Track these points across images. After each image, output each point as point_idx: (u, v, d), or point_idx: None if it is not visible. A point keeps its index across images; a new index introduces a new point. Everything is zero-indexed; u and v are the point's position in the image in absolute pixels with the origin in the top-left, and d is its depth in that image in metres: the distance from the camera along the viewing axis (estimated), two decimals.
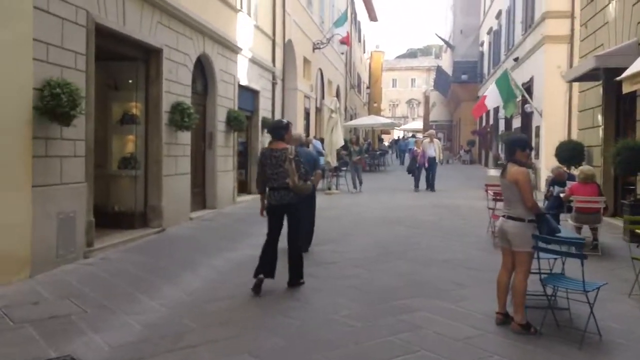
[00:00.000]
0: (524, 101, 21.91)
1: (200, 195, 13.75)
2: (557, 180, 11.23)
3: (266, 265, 7.09)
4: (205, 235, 11.10)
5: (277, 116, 19.64)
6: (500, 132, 30.04)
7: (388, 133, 67.02)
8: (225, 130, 14.61)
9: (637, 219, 8.22)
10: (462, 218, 13.70)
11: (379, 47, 65.02)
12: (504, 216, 5.90)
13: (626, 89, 9.47)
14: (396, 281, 7.63)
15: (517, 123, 25.92)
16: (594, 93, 14.56)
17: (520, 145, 5.91)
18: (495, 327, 5.84)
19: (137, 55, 10.82)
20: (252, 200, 16.33)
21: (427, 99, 66.91)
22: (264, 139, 18.05)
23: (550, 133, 19.95)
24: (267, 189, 7.15)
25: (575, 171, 14.27)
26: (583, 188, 9.90)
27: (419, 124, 68.45)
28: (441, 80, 50.85)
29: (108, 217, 10.70)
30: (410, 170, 21.08)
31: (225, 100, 14.58)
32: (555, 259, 6.40)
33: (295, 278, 7.29)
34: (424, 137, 21.77)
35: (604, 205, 9.79)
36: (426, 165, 20.56)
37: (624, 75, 9.37)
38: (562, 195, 10.28)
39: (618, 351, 5.24)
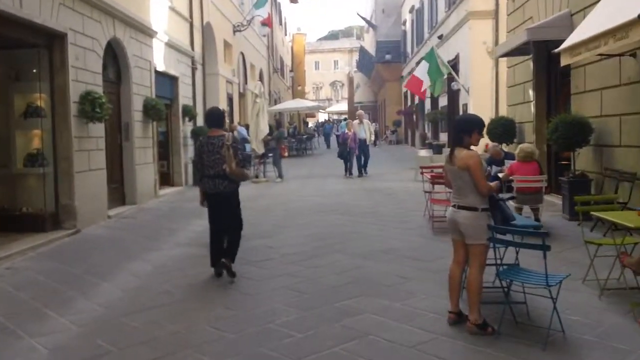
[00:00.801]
0: (450, 79, 21.70)
1: (119, 191, 12.75)
2: (493, 159, 10.83)
3: (218, 257, 7.03)
4: (125, 234, 10.17)
5: (199, 103, 18.67)
6: (426, 112, 29.94)
7: (313, 116, 66.65)
8: (143, 120, 13.59)
9: (588, 198, 7.80)
10: (397, 202, 13.24)
11: (301, 29, 64.42)
12: (454, 206, 5.32)
13: (565, 61, 9.10)
14: (336, 278, 7.00)
15: (443, 101, 25.82)
16: (524, 68, 14.33)
17: (478, 128, 5.27)
18: (449, 328, 5.28)
19: (38, 42, 9.72)
20: (175, 193, 15.45)
21: (351, 80, 66.86)
22: (186, 128, 17.10)
23: (478, 110, 19.64)
24: (203, 177, 7.04)
25: (506, 148, 14.10)
26: (523, 167, 9.53)
27: (343, 106, 68.41)
28: (364, 61, 50.64)
29: (16, 221, 9.77)
30: (341, 155, 19.81)
31: (141, 88, 13.55)
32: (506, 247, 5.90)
33: (227, 258, 7.05)
34: (354, 118, 20.81)
35: (545, 184, 9.47)
36: (355, 148, 19.47)
37: (562, 46, 9.00)
38: (500, 175, 9.89)
39: (586, 350, 4.75)
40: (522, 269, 5.45)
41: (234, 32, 24.39)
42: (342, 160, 19.75)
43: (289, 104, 37.04)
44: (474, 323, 5.12)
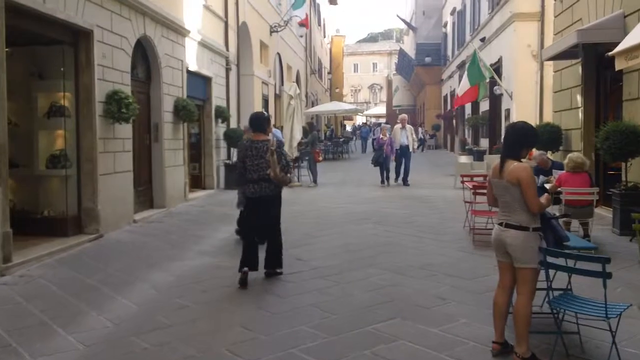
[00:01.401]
0: (493, 83, 20.92)
1: (147, 194, 12.38)
2: (540, 168, 10.12)
3: (250, 259, 6.96)
4: (149, 240, 9.75)
5: (233, 104, 18.28)
6: (467, 116, 29.13)
7: (351, 119, 66.05)
8: (173, 121, 13.22)
9: None
10: (435, 212, 12.60)
11: (340, 31, 63.97)
12: (500, 224, 4.71)
13: (619, 65, 8.42)
14: (369, 297, 6.43)
15: (484, 106, 25.02)
16: (572, 72, 13.57)
17: (529, 140, 4.71)
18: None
19: (63, 38, 9.36)
20: (206, 197, 15.06)
21: (389, 83, 66.10)
22: (218, 130, 16.70)
23: (521, 116, 18.91)
24: (246, 181, 7.05)
25: (551, 156, 13.37)
26: (573, 178, 8.87)
27: (381, 109, 67.78)
28: (404, 64, 49.86)
29: (36, 224, 9.39)
30: (376, 162, 18.09)
31: (172, 88, 13.17)
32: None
33: (273, 266, 7.26)
34: (396, 122, 19.83)
35: (597, 197, 8.77)
36: (392, 155, 17.85)
37: (617, 49, 8.32)
38: (547, 186, 9.20)
39: None
40: (576, 297, 4.82)
41: (271, 32, 23.98)
42: (378, 167, 18.22)
43: (326, 107, 36.51)
44: (521, 356, 4.52)
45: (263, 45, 23.01)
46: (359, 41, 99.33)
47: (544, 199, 4.69)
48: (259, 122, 7.26)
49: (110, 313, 5.99)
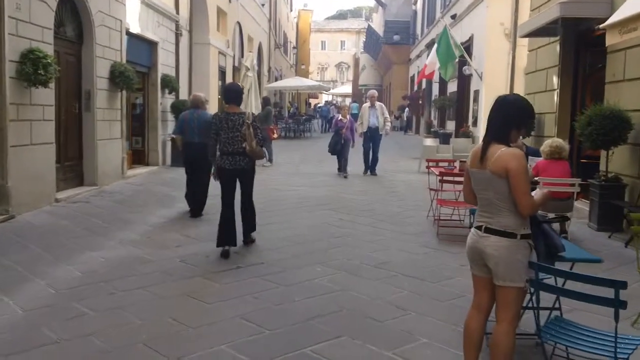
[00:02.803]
0: (462, 63, 19.88)
1: (75, 170, 11.00)
2: None
3: (228, 233, 6.89)
4: (67, 224, 8.39)
5: (183, 74, 16.86)
6: (433, 98, 28.11)
7: (316, 98, 64.74)
8: (109, 89, 11.79)
9: None
10: (397, 198, 11.49)
11: (307, 5, 62.38)
12: (479, 228, 3.57)
13: (611, 39, 7.36)
14: (313, 305, 5.27)
15: (452, 87, 24.01)
16: (548, 51, 12.51)
17: (525, 119, 3.59)
18: None
19: None
20: (148, 174, 13.71)
21: (357, 62, 64.94)
22: (165, 101, 15.30)
23: (491, 98, 17.82)
24: (220, 154, 6.97)
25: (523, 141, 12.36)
26: (551, 166, 7.85)
27: (348, 88, 66.57)
28: (371, 42, 48.66)
29: None
30: (333, 150, 14.88)
31: (108, 51, 11.73)
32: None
33: (249, 233, 7.41)
34: (365, 99, 17.86)
35: (578, 189, 7.73)
36: (351, 141, 14.85)
37: (610, 21, 7.24)
38: None
39: None
40: (572, 325, 3.72)
41: None
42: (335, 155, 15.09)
43: (289, 82, 35.07)
44: None
45: (221, 12, 21.50)
46: (328, 18, 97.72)
47: (540, 195, 3.56)
48: (234, 94, 7.16)
49: None
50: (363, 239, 7.94)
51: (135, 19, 13.15)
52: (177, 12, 16.04)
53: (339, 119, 15.11)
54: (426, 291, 5.69)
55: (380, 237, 8.03)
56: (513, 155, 3.35)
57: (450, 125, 24.03)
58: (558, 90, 11.96)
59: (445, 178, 8.25)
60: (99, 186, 11.29)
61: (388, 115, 15.59)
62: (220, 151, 6.97)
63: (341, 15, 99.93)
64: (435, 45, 18.69)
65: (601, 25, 7.61)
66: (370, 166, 15.02)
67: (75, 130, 10.98)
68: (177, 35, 16.14)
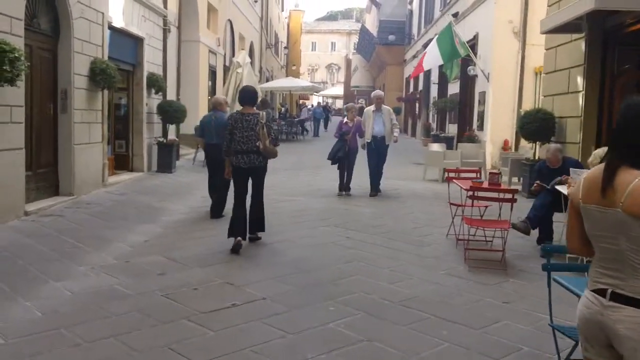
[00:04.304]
0: (466, 62, 18.81)
1: (49, 179, 9.80)
2: (546, 166, 7.93)
3: (239, 228, 7.19)
4: (33, 244, 7.19)
5: (171, 73, 15.70)
6: (432, 100, 27.04)
7: (307, 99, 63.70)
8: (89, 88, 10.59)
9: None
10: (406, 210, 10.40)
11: (299, 6, 61.41)
12: (601, 293, 2.44)
13: None
14: None
15: (454, 88, 22.95)
16: (571, 49, 11.46)
17: None
18: None
19: None
20: (132, 181, 12.54)
21: (348, 63, 64.06)
22: (152, 102, 14.13)
23: (499, 100, 17.02)
24: (235, 153, 7.22)
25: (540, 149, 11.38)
26: None
27: (339, 90, 65.62)
28: (364, 42, 47.63)
29: None
30: (334, 159, 12.02)
31: (88, 46, 10.53)
32: None
33: (256, 231, 7.65)
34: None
35: None
36: (355, 150, 12.01)
37: None
38: (562, 189, 7.01)
39: None
40: None
41: None
42: (337, 167, 12.14)
43: (281, 82, 33.91)
44: None
45: (211, 9, 20.34)
46: (318, 19, 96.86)
47: None
48: (249, 95, 7.47)
49: None
50: (378, 264, 6.82)
51: (118, 12, 11.94)
52: (165, 7, 14.84)
53: (345, 122, 12.22)
54: (472, 343, 4.55)
55: (398, 263, 6.90)
56: None
57: (452, 129, 22.97)
58: (583, 92, 10.93)
59: (476, 196, 7.11)
60: (76, 196, 10.11)
61: (397, 121, 12.85)
62: (235, 150, 7.18)
63: (332, 17, 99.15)
64: (435, 42, 17.54)
65: None
66: (374, 185, 12.11)
67: (50, 133, 9.80)
68: (165, 32, 14.92)
